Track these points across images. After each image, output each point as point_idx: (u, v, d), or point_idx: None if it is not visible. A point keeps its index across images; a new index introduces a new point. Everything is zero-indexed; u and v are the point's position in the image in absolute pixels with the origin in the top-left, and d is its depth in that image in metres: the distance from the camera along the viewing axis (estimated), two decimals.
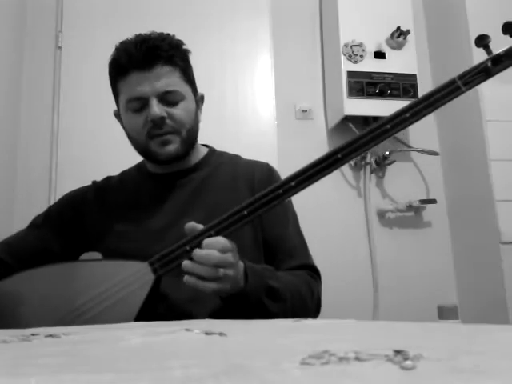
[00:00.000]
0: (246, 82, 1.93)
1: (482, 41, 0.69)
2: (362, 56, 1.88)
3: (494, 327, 0.39)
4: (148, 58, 0.89)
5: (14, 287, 0.82)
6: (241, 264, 0.78)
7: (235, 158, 1.06)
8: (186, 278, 0.71)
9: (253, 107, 1.91)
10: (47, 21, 1.87)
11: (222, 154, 1.08)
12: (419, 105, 0.69)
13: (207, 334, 0.42)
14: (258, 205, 0.73)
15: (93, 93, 1.80)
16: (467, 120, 1.90)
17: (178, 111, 0.91)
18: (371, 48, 1.90)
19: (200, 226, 0.75)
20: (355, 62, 1.88)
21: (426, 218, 2.02)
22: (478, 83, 0.68)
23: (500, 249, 1.71)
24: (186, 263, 0.72)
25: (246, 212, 0.73)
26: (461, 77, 0.68)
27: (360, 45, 1.89)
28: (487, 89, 1.80)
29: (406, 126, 0.70)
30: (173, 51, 0.91)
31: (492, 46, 0.69)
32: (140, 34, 0.92)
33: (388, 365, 0.25)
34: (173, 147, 0.92)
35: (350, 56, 1.88)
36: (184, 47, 0.95)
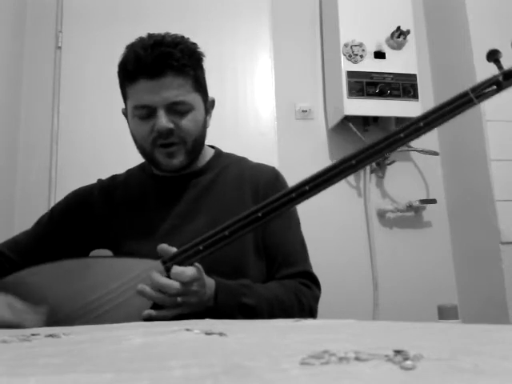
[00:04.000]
0: (246, 82, 1.93)
1: (493, 55, 0.70)
2: (362, 56, 1.88)
3: (493, 327, 0.39)
4: (158, 65, 0.84)
5: (28, 280, 0.82)
6: (211, 283, 0.79)
7: (242, 161, 1.06)
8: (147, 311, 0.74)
9: (253, 107, 1.91)
10: (47, 21, 1.88)
11: (229, 155, 1.07)
12: (432, 115, 0.70)
13: (207, 333, 0.42)
14: (270, 208, 0.74)
15: (93, 93, 1.80)
16: (467, 120, 1.90)
17: (186, 122, 0.89)
18: (371, 48, 1.90)
19: (173, 249, 0.77)
20: (355, 62, 1.88)
21: (426, 218, 2.02)
22: (490, 96, 0.69)
23: (500, 249, 1.71)
24: (142, 288, 0.73)
25: (260, 214, 0.74)
26: (473, 89, 0.69)
27: (360, 45, 1.89)
28: None
29: (419, 136, 0.71)
30: (185, 60, 0.86)
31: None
32: (152, 36, 0.87)
33: (388, 365, 0.25)
34: (177, 160, 0.91)
35: (350, 56, 1.88)
36: (198, 51, 0.92)
